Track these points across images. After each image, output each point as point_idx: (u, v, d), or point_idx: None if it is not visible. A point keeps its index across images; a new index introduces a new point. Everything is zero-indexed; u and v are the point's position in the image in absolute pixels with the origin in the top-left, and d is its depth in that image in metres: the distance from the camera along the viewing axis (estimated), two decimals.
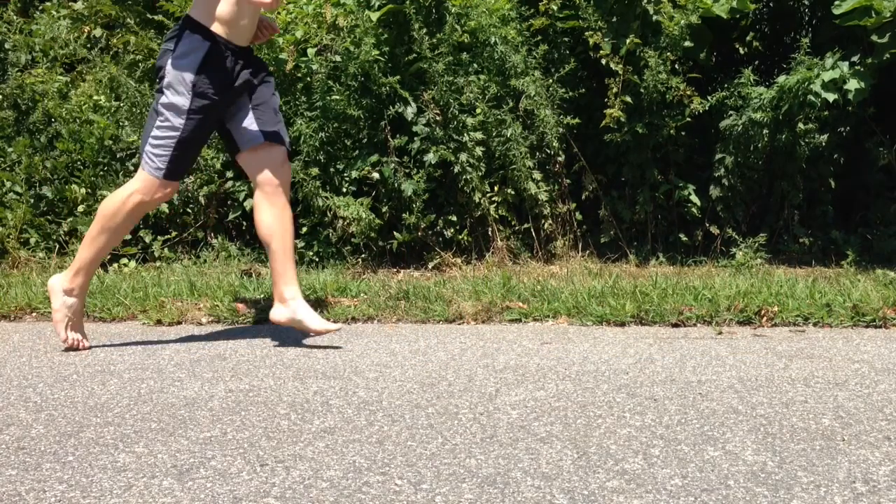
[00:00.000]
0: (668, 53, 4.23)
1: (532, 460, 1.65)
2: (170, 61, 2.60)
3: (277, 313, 2.75)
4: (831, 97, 4.02)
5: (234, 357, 2.64)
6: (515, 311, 3.18)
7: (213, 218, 4.51)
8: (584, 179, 4.48)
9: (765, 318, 3.02)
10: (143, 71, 4.72)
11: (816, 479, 1.53)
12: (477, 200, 4.19)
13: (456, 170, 4.16)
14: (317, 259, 4.29)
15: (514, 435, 1.81)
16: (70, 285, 2.70)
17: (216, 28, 2.61)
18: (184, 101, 2.59)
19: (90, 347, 2.80)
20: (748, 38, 4.87)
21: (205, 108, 2.61)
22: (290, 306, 2.72)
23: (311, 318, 2.71)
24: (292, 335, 2.98)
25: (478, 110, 4.19)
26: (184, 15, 2.68)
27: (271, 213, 2.75)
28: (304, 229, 4.34)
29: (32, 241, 4.50)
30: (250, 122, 2.74)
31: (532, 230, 4.33)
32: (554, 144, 4.30)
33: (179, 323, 3.22)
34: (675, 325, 3.03)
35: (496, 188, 4.29)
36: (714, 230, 4.39)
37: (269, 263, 2.78)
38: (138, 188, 2.66)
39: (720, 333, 2.90)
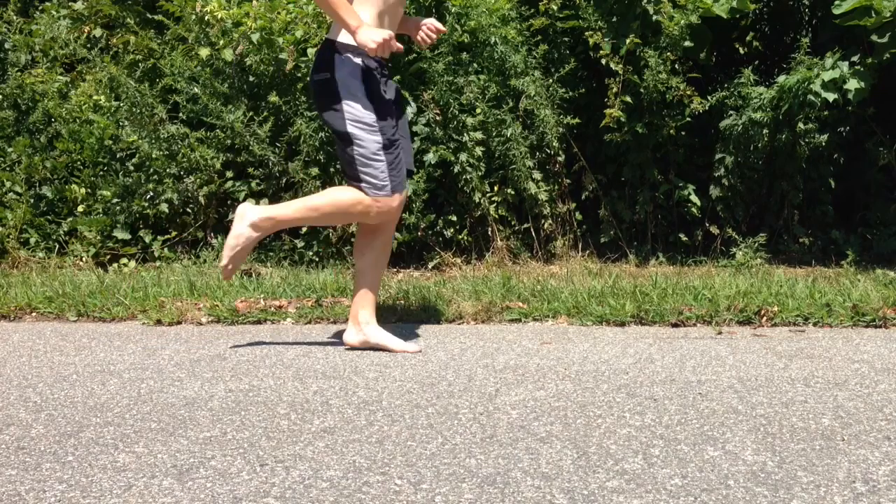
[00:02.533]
0: (668, 53, 4.23)
1: (532, 460, 1.65)
2: (340, 91, 2.54)
3: (350, 336, 2.73)
4: (831, 97, 4.02)
5: (234, 357, 2.64)
6: (515, 311, 3.18)
7: (213, 218, 4.51)
8: (584, 179, 4.48)
9: (765, 318, 3.02)
10: (142, 71, 4.72)
11: (816, 479, 1.53)
12: (477, 200, 4.19)
13: (456, 170, 4.16)
14: (317, 259, 4.29)
15: (514, 435, 1.81)
16: (260, 223, 2.64)
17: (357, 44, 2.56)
18: (369, 116, 2.55)
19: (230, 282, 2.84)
20: (748, 38, 4.87)
21: (385, 112, 2.58)
22: (364, 331, 2.70)
23: (391, 341, 2.70)
24: (291, 335, 2.98)
25: (478, 110, 4.19)
26: (325, 38, 2.64)
27: (379, 240, 2.71)
28: (304, 229, 4.34)
29: (32, 241, 4.50)
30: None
31: (532, 230, 4.33)
32: (554, 144, 4.30)
33: (179, 323, 3.22)
34: (675, 325, 3.03)
35: (496, 188, 4.29)
36: (714, 230, 4.39)
37: (354, 283, 2.75)
38: (369, 202, 2.59)
39: (720, 333, 2.90)
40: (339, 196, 2.64)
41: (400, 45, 2.55)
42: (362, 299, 2.70)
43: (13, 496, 1.51)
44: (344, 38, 2.56)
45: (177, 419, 1.97)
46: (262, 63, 4.39)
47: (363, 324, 2.70)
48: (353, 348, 2.72)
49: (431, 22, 2.79)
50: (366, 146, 2.56)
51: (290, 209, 2.66)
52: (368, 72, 2.57)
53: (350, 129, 2.56)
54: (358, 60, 2.55)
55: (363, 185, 2.59)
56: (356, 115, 2.55)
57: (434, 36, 2.77)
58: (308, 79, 4.34)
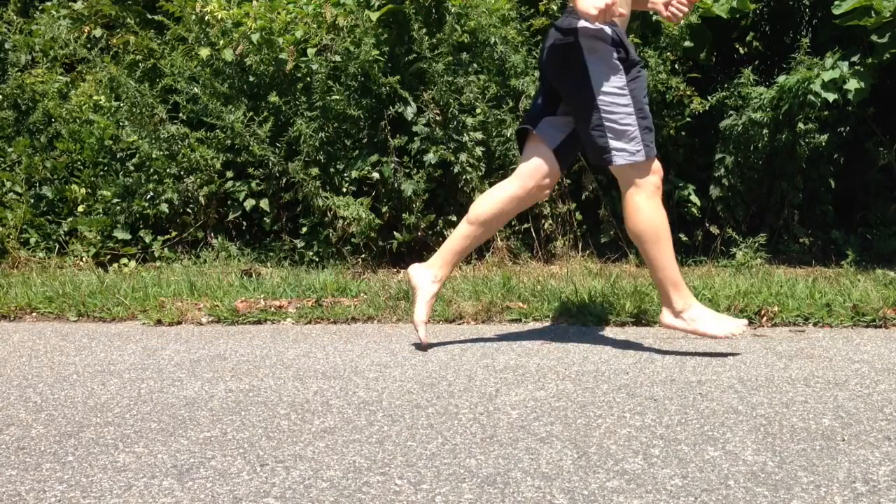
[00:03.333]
0: (668, 53, 4.23)
1: (532, 460, 1.65)
2: (586, 56, 2.44)
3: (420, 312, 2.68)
4: (831, 97, 4.02)
5: (234, 357, 2.64)
6: (515, 311, 3.18)
7: (213, 218, 4.51)
8: (584, 179, 4.48)
9: (765, 318, 3.02)
10: (143, 71, 4.72)
11: (816, 479, 1.53)
12: None
13: (456, 170, 4.16)
14: (317, 259, 4.30)
15: (514, 435, 1.81)
16: (678, 304, 2.54)
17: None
18: (619, 80, 2.45)
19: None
20: (748, 38, 4.87)
21: (634, 75, 2.49)
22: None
23: (415, 324, 2.67)
24: (291, 335, 2.98)
25: (478, 110, 4.19)
26: (569, 5, 2.50)
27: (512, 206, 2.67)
28: (304, 229, 4.34)
29: (32, 241, 4.51)
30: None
31: (532, 230, 4.33)
32: None
33: (179, 323, 3.22)
34: None
35: None
36: (714, 230, 4.39)
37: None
38: (639, 186, 2.49)
39: None
40: (642, 218, 2.50)
41: (623, 10, 2.43)
42: (444, 254, 2.69)
43: (13, 496, 1.51)
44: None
45: (177, 419, 1.97)
46: (262, 63, 4.39)
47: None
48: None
49: None
50: (616, 111, 2.46)
51: (662, 274, 2.53)
52: (616, 38, 2.46)
53: (598, 95, 2.45)
54: (606, 27, 2.45)
55: (615, 156, 2.48)
56: (604, 79, 2.44)
57: (686, 10, 2.59)
58: (307, 78, 4.35)
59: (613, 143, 2.48)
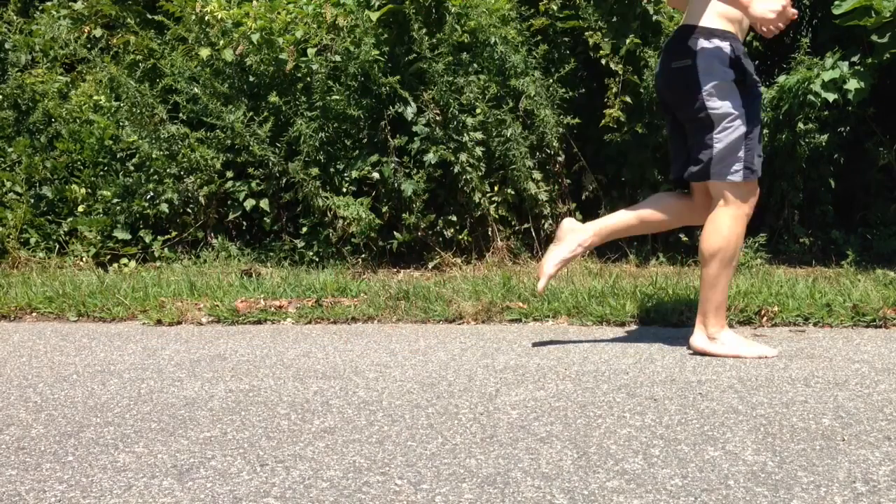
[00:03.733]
0: None
1: (532, 460, 1.65)
2: (702, 78, 2.45)
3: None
4: (831, 97, 4.01)
5: (234, 357, 2.64)
6: (515, 311, 3.18)
7: (213, 218, 4.51)
8: (584, 179, 4.48)
9: (765, 318, 3.02)
10: (143, 71, 4.72)
11: (816, 479, 1.53)
12: (477, 200, 4.19)
13: (456, 170, 4.16)
14: (317, 259, 4.30)
15: (514, 435, 1.81)
16: (713, 328, 2.54)
17: (725, 26, 2.47)
18: (733, 101, 2.45)
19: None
20: (748, 38, 4.87)
21: (750, 99, 2.49)
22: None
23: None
24: (291, 335, 2.98)
25: (478, 110, 4.19)
26: (682, 25, 2.53)
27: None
28: (305, 229, 4.34)
29: (32, 241, 4.51)
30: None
31: (532, 230, 4.33)
32: (554, 144, 4.30)
33: (179, 323, 3.22)
34: (675, 325, 3.03)
35: (496, 188, 4.29)
36: None
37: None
38: (730, 206, 2.49)
39: None
40: (719, 236, 2.49)
41: (795, 11, 2.42)
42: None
43: (13, 496, 1.51)
44: (708, 22, 2.46)
45: (177, 419, 1.97)
46: (262, 63, 4.39)
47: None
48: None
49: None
50: (726, 134, 2.46)
51: (710, 294, 2.52)
52: (734, 57, 2.46)
53: (712, 116, 2.45)
54: (725, 45, 2.45)
55: (713, 174, 2.48)
56: (718, 100, 2.44)
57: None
58: (307, 78, 4.35)
59: (716, 162, 2.49)
